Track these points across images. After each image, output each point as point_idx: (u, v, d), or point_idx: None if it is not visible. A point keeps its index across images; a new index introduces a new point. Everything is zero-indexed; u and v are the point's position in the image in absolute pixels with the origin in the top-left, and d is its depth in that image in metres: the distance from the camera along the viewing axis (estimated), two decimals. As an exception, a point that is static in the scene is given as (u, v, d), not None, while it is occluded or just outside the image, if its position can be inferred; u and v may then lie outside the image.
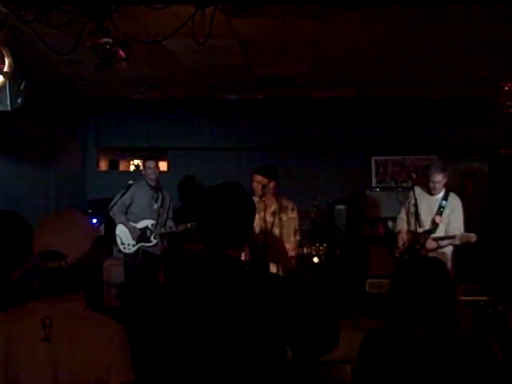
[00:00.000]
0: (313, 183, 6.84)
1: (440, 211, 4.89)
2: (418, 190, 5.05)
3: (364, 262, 6.73)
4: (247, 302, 1.68)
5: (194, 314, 1.70)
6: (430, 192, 4.92)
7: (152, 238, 5.67)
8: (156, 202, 5.73)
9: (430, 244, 4.81)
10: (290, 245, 4.50)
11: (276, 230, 4.57)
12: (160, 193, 5.78)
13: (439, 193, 4.91)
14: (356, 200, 7.15)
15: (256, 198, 4.59)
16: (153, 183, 5.68)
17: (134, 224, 5.63)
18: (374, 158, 7.44)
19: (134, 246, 5.64)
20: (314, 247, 4.36)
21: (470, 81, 5.84)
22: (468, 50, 4.56)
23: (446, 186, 4.94)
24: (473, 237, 4.66)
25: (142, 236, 5.63)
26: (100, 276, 6.32)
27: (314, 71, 5.54)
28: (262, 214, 4.52)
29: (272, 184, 4.56)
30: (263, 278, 1.80)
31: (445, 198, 4.92)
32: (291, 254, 4.43)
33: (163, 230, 5.70)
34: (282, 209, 4.62)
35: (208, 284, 1.72)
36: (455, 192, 5.07)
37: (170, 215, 5.89)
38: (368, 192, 7.10)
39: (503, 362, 1.89)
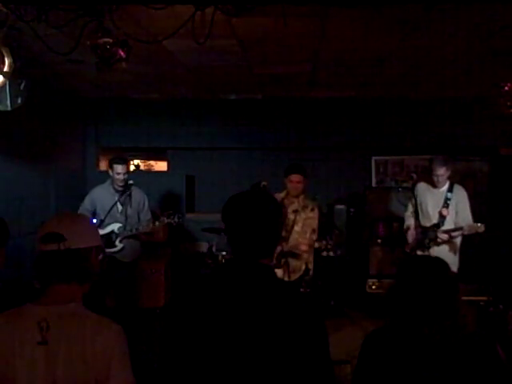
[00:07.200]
0: (313, 183, 6.84)
1: (446, 204, 4.96)
2: (422, 185, 5.18)
3: (364, 262, 6.73)
4: (276, 314, 1.65)
5: (225, 320, 1.66)
6: (434, 185, 5.00)
7: (117, 243, 5.25)
8: (122, 205, 5.31)
9: (442, 236, 4.90)
10: (304, 240, 4.74)
11: (295, 228, 4.76)
12: (127, 194, 5.33)
13: (443, 186, 4.99)
14: (356, 200, 7.15)
15: (282, 195, 4.84)
16: (119, 187, 5.28)
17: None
18: (373, 158, 7.45)
19: None
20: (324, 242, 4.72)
21: (469, 81, 5.84)
22: (468, 50, 4.56)
23: (449, 179, 5.01)
24: (480, 227, 4.69)
25: (105, 242, 5.12)
26: (101, 276, 6.28)
27: (314, 71, 5.54)
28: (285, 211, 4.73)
29: (306, 182, 4.80)
30: (295, 294, 1.81)
31: (450, 190, 4.99)
32: (303, 248, 4.71)
33: (128, 233, 5.24)
34: (302, 207, 4.80)
35: (242, 291, 1.69)
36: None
37: (146, 217, 5.41)
38: (368, 192, 7.09)
39: (506, 363, 1.89)
